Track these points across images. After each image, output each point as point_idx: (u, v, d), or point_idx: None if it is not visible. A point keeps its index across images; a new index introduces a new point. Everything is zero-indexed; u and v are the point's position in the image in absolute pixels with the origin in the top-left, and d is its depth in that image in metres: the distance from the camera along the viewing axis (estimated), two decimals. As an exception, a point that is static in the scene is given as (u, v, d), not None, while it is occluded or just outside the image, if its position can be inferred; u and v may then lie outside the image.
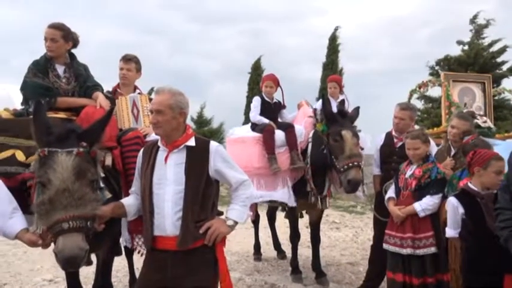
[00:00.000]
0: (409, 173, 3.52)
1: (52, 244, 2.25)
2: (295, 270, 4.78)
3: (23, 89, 3.17)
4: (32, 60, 3.24)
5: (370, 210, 9.50)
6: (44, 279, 4.81)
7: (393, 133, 4.22)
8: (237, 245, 6.15)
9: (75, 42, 3.32)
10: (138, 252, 3.10)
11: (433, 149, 3.93)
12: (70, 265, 2.12)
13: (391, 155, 4.13)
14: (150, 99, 3.49)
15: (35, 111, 2.35)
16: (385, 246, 3.54)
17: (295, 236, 4.76)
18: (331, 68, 16.88)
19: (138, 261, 3.35)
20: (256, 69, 18.32)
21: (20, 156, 2.68)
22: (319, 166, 4.27)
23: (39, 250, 2.66)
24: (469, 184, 2.97)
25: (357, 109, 4.26)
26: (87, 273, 4.10)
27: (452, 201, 2.96)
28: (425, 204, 3.35)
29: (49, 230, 2.12)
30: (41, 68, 3.18)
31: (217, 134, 19.17)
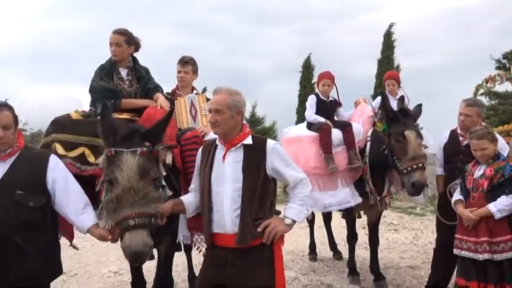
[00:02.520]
0: (478, 173, 3.30)
1: (119, 239, 2.36)
2: (353, 271, 4.67)
3: (90, 92, 3.35)
4: (96, 65, 3.43)
5: (430, 212, 9.07)
6: (109, 271, 5.10)
7: (458, 131, 3.98)
8: (291, 244, 6.11)
9: (137, 46, 3.46)
10: (197, 249, 3.18)
11: (504, 147, 3.66)
12: (136, 259, 2.22)
13: (457, 154, 3.90)
14: (208, 99, 3.57)
15: (102, 113, 2.49)
16: (456, 251, 3.36)
17: (352, 237, 4.66)
18: (386, 64, 16.43)
19: (196, 256, 3.45)
20: (307, 67, 18.21)
21: (90, 156, 2.85)
22: (379, 166, 4.13)
23: (105, 243, 2.81)
24: None
25: (419, 106, 4.07)
26: (149, 267, 4.27)
27: None
28: (500, 205, 3.14)
29: (117, 226, 2.24)
30: (106, 71, 3.35)
31: (270, 133, 19.25)
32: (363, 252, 5.61)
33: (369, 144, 4.29)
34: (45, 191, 2.36)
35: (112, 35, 3.32)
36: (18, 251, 2.23)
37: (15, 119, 2.39)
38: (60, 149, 2.83)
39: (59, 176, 2.41)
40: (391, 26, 16.66)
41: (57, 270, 2.50)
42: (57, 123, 3.05)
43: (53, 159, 2.46)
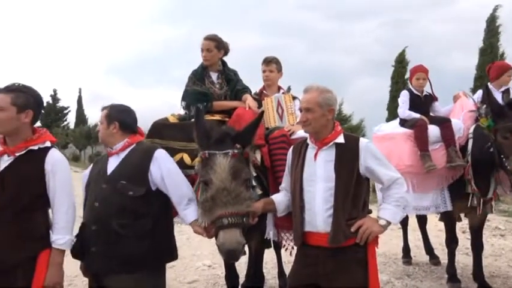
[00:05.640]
0: None
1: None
2: (453, 278, 4.34)
3: (185, 96, 3.55)
4: (189, 70, 3.62)
5: (544, 216, 8.10)
6: (203, 264, 5.36)
7: None
8: (383, 246, 5.84)
9: (226, 51, 3.60)
10: (283, 247, 3.19)
11: None
12: (230, 257, 2.31)
13: None
14: (294, 98, 3.59)
15: (196, 117, 2.61)
16: None
17: (452, 241, 4.33)
18: (490, 52, 14.91)
19: (286, 254, 3.47)
20: (401, 61, 17.28)
21: (187, 159, 3.04)
22: (483, 165, 3.80)
23: (199, 238, 2.93)
24: None
25: None
26: (239, 263, 4.40)
27: None
28: None
29: (212, 224, 2.34)
30: (198, 76, 3.54)
31: (358, 131, 18.67)
32: (463, 258, 5.19)
33: (471, 141, 3.97)
34: (146, 183, 2.50)
35: (203, 41, 3.49)
36: (117, 236, 2.42)
37: (109, 116, 2.57)
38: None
39: (166, 170, 2.53)
40: (495, 9, 15.02)
41: (160, 257, 2.64)
42: (157, 127, 3.28)
43: (158, 153, 2.58)
